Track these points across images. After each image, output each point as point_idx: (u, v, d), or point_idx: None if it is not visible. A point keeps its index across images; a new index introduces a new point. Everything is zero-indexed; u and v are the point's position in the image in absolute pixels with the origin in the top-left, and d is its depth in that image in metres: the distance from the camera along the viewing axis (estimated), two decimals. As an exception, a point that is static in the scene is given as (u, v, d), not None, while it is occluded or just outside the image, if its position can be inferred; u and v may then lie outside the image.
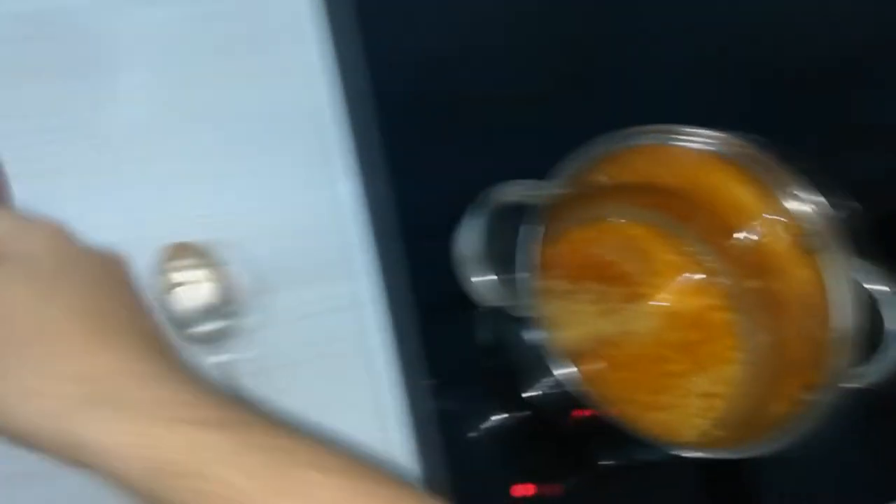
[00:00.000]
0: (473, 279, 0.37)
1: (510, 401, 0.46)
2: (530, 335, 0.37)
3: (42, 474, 0.30)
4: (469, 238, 0.37)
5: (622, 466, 0.47)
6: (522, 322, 0.38)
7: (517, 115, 0.57)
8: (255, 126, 0.51)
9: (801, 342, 0.43)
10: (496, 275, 0.37)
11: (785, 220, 0.44)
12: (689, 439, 0.44)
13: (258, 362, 0.43)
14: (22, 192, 0.44)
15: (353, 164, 0.51)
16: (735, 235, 0.47)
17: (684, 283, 0.49)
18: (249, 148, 0.50)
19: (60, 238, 0.31)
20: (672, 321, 0.48)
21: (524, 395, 0.44)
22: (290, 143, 0.51)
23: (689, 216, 0.49)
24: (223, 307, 0.42)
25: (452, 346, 0.48)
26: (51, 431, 0.26)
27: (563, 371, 0.35)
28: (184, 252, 0.43)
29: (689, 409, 0.46)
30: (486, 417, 0.46)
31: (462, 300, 0.50)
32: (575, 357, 0.45)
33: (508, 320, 0.44)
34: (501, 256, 0.39)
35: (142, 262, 0.43)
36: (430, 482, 0.42)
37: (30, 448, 0.27)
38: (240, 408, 0.27)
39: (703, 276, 0.49)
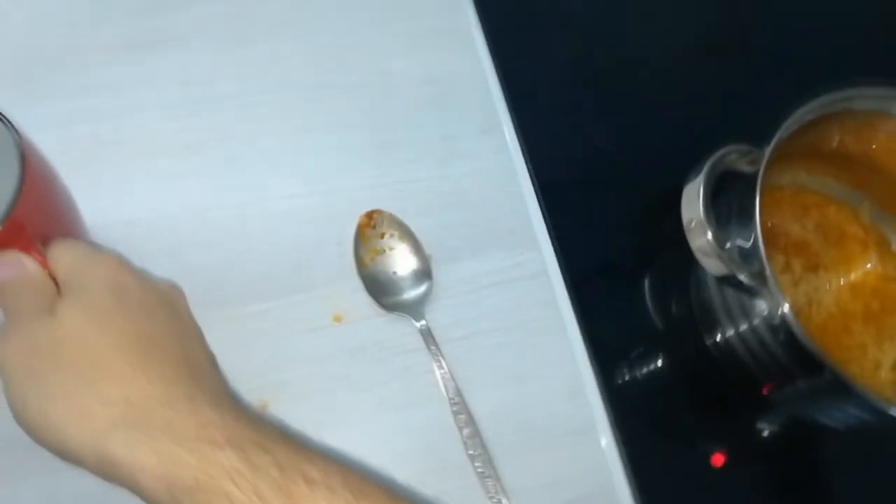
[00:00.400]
0: (699, 244, 0.36)
1: (689, 359, 0.46)
2: (759, 303, 0.36)
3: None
4: (693, 203, 0.36)
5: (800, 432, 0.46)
6: (743, 288, 0.37)
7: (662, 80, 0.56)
8: (424, 94, 0.50)
9: None
10: (718, 241, 0.36)
11: None
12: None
13: (454, 329, 0.43)
14: (209, 161, 0.45)
15: (518, 130, 0.50)
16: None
17: (862, 253, 0.48)
18: (419, 116, 0.49)
19: (120, 271, 0.33)
20: (853, 291, 0.47)
21: (709, 342, 0.43)
22: (458, 110, 0.50)
23: (872, 185, 0.48)
24: (420, 274, 0.42)
25: (617, 312, 0.48)
26: (91, 450, 0.28)
27: (813, 347, 0.34)
28: (379, 220, 0.43)
29: (879, 381, 0.45)
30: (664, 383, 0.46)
31: (615, 265, 0.50)
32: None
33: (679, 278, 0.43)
34: (718, 222, 0.38)
35: (336, 230, 0.43)
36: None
37: (77, 465, 0.29)
38: (261, 429, 0.29)
39: (881, 246, 0.48)
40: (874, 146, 0.45)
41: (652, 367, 0.46)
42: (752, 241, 0.36)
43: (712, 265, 0.36)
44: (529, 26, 0.55)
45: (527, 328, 0.44)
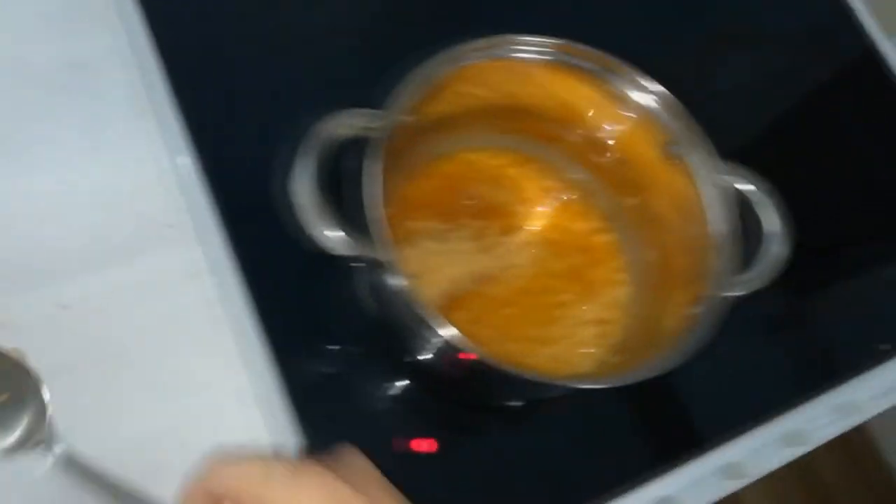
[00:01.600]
0: (318, 229, 0.32)
1: (389, 359, 0.42)
2: (392, 282, 0.33)
3: None
4: (304, 183, 0.32)
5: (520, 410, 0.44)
6: (382, 271, 0.33)
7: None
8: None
9: (685, 252, 0.41)
10: (343, 221, 0.32)
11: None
12: (584, 370, 0.42)
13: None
14: None
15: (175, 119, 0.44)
16: (606, 153, 0.44)
17: (561, 209, 0.46)
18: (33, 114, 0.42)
19: None
20: (555, 249, 0.45)
21: (406, 359, 0.40)
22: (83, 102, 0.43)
23: (553, 137, 0.45)
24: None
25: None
26: None
27: (436, 319, 0.31)
28: None
29: (582, 338, 0.43)
30: (365, 383, 0.42)
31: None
32: (451, 300, 0.41)
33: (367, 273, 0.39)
34: (346, 200, 0.34)
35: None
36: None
37: None
38: None
39: (580, 198, 0.47)
40: (516, 91, 0.42)
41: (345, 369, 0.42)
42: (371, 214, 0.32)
43: (330, 248, 0.31)
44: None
45: (202, 330, 0.38)
